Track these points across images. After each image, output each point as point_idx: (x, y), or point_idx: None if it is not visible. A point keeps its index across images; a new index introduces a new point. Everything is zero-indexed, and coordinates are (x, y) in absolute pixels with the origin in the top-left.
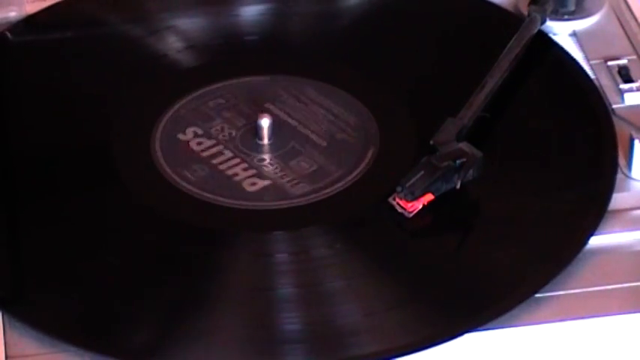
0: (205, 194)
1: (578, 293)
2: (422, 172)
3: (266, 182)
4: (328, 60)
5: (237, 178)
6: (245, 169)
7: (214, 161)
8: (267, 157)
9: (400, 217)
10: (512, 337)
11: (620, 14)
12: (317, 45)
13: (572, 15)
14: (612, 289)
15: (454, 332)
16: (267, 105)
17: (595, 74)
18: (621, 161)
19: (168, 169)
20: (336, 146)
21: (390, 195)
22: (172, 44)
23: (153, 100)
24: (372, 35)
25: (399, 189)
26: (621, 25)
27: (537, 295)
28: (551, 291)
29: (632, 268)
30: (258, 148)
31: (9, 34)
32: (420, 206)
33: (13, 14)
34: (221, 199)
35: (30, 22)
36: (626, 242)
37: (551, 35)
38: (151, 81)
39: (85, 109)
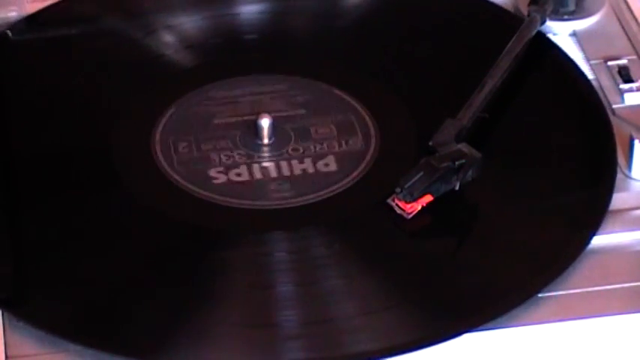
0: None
1: (579, 293)
2: (421, 173)
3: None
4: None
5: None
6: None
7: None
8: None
9: (399, 218)
10: (512, 337)
11: (620, 14)
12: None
13: (572, 15)
14: (613, 289)
15: (453, 332)
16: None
17: (595, 74)
18: (621, 161)
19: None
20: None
21: (389, 196)
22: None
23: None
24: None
25: (398, 190)
26: (621, 25)
27: (538, 295)
28: (552, 291)
29: (632, 268)
30: (258, 148)
31: (9, 33)
32: (419, 207)
33: (13, 14)
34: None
35: (30, 21)
36: (626, 242)
37: (551, 35)
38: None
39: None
